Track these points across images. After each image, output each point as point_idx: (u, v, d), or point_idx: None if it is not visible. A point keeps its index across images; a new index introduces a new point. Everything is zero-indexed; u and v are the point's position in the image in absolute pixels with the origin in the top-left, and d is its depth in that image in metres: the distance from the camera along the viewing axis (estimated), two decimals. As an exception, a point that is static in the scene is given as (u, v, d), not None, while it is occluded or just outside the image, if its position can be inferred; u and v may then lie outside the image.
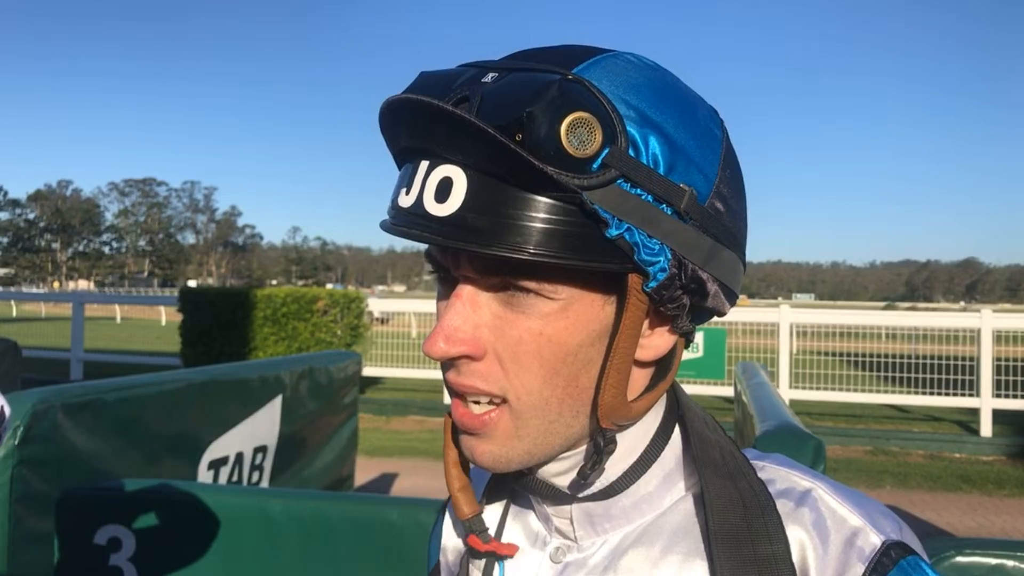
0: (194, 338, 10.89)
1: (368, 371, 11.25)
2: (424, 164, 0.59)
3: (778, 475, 0.67)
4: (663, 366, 0.67)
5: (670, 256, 0.59)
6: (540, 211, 0.56)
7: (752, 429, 2.46)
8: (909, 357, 10.60)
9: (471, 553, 0.74)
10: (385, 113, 0.61)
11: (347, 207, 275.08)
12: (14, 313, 36.87)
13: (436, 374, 11.53)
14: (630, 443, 0.67)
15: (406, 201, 0.60)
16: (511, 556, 0.72)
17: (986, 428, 9.27)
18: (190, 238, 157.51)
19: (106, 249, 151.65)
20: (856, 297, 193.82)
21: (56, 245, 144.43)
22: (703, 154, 0.61)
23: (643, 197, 0.57)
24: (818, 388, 10.51)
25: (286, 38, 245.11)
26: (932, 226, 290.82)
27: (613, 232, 0.56)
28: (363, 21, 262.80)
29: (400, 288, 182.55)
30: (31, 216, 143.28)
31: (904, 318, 13.45)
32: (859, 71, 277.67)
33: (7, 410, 1.37)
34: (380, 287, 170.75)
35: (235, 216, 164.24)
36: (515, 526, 0.75)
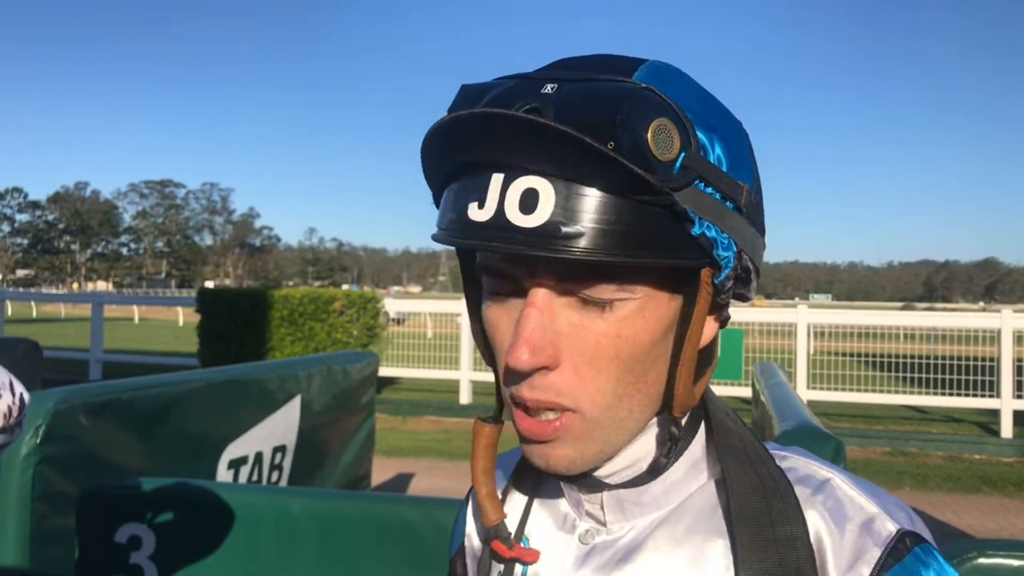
0: (212, 338, 10.94)
1: (384, 371, 11.27)
2: (497, 177, 0.59)
3: (798, 464, 0.70)
4: (707, 354, 0.70)
5: (735, 249, 0.63)
6: (631, 215, 0.57)
7: (772, 429, 2.44)
8: (928, 358, 10.51)
9: (494, 557, 0.76)
10: (450, 128, 0.60)
11: (363, 208, 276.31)
12: (34, 314, 37.23)
13: (452, 374, 11.57)
14: (665, 433, 0.69)
15: (481, 215, 0.59)
16: (533, 562, 0.73)
17: (1006, 429, 9.19)
18: (207, 239, 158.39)
19: (124, 250, 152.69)
20: (873, 297, 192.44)
21: (75, 246, 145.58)
22: (743, 151, 0.65)
23: (714, 195, 0.61)
24: (836, 389, 10.44)
25: (303, 40, 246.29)
26: (951, 226, 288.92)
27: (697, 230, 0.59)
28: (377, 23, 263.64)
29: (416, 289, 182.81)
30: (51, 218, 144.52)
31: (922, 318, 13.34)
32: (877, 69, 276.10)
33: (26, 397, 1.37)
34: (396, 288, 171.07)
35: (252, 217, 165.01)
36: (542, 510, 0.77)
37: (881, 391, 10.57)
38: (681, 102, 0.60)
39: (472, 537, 0.84)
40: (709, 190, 0.60)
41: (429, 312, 14.83)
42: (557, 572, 0.72)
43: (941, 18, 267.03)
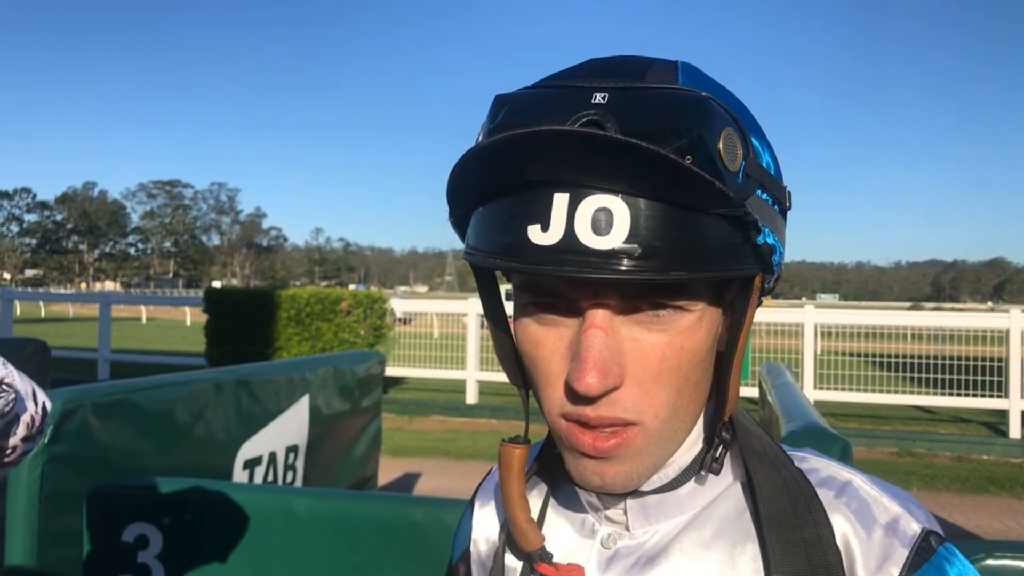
0: (219, 338, 10.97)
1: (390, 371, 11.28)
2: (561, 197, 0.56)
3: (818, 465, 0.69)
4: None
5: (782, 252, 0.64)
6: (705, 228, 0.56)
7: (778, 429, 2.44)
8: (935, 358, 10.47)
9: (515, 553, 0.75)
10: (504, 147, 0.56)
11: (370, 209, 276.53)
12: (42, 314, 37.36)
13: (458, 374, 11.57)
14: (694, 438, 0.68)
15: (546, 238, 0.56)
16: None
17: (1015, 430, 9.15)
18: (215, 239, 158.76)
19: (132, 250, 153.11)
20: (881, 297, 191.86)
21: (83, 247, 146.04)
22: (774, 154, 0.65)
23: (768, 201, 0.61)
24: (843, 389, 10.41)
25: (310, 41, 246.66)
26: (959, 225, 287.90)
27: (762, 239, 0.59)
28: (383, 24, 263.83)
29: (422, 289, 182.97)
30: (59, 218, 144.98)
31: (930, 318, 13.28)
32: (884, 68, 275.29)
33: (48, 405, 1.39)
34: (402, 288, 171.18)
35: (259, 218, 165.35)
36: (559, 515, 0.76)
37: (888, 391, 10.53)
38: (731, 108, 0.59)
39: (479, 543, 0.82)
40: (765, 196, 0.61)
41: (436, 312, 14.85)
42: None
43: (949, 18, 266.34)
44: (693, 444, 0.68)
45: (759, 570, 0.64)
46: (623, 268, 0.54)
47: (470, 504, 0.86)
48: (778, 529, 0.63)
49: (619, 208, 0.55)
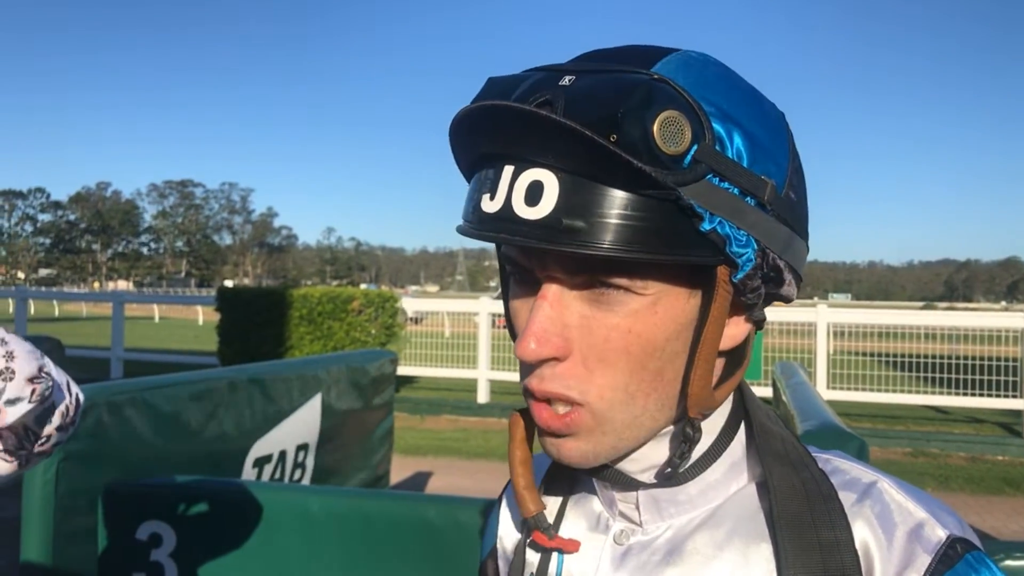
0: (231, 337, 11.01)
1: (402, 370, 11.29)
2: (508, 169, 0.59)
3: (843, 467, 0.68)
4: (737, 355, 0.68)
5: (755, 246, 0.61)
6: (634, 209, 0.56)
7: (794, 429, 2.43)
8: (949, 358, 10.41)
9: (533, 547, 0.76)
10: (465, 120, 0.61)
11: (381, 208, 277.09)
12: (56, 313, 37.60)
13: (470, 373, 11.59)
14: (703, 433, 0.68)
15: (491, 206, 0.60)
16: (575, 551, 0.73)
17: (1030, 430, 9.09)
18: (227, 239, 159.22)
19: (144, 250, 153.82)
20: (893, 297, 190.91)
21: (96, 246, 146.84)
22: (775, 146, 0.63)
23: (731, 190, 0.59)
24: (856, 389, 10.37)
25: (321, 40, 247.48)
26: (972, 224, 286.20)
27: (707, 226, 0.58)
28: (395, 22, 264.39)
29: (433, 288, 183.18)
30: (72, 218, 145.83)
31: (943, 318, 13.22)
32: (899, 65, 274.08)
33: (82, 398, 1.41)
34: (413, 287, 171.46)
35: (271, 217, 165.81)
36: (576, 511, 0.76)
37: (902, 391, 10.48)
38: (699, 93, 0.59)
39: (504, 540, 0.83)
40: (725, 185, 0.59)
41: (447, 311, 14.86)
42: (592, 573, 0.71)
43: (963, 14, 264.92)
44: (680, 440, 0.67)
45: (772, 571, 0.63)
46: (547, 238, 0.57)
47: (499, 501, 0.87)
48: (793, 530, 0.63)
49: (550, 181, 0.57)
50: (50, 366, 1.29)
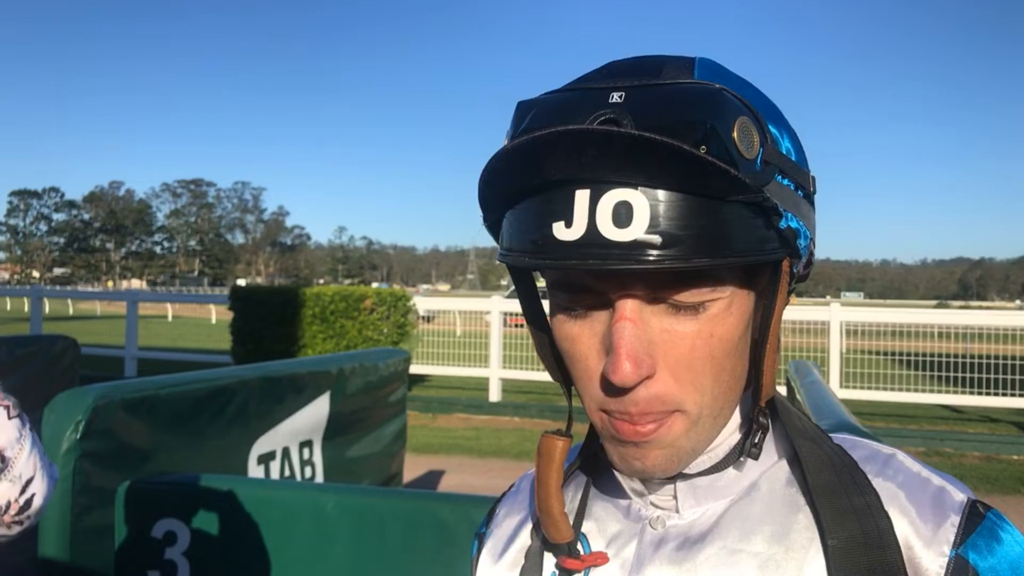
0: (244, 336, 11.06)
1: (414, 369, 11.32)
2: (583, 193, 0.58)
3: (860, 442, 0.72)
4: (776, 340, 0.70)
5: (810, 236, 0.65)
6: (725, 215, 0.58)
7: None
8: (963, 357, 10.36)
9: (563, 573, 0.75)
10: (527, 150, 0.58)
11: (393, 207, 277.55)
12: (71, 311, 37.84)
13: (482, 372, 11.59)
14: (737, 422, 0.70)
15: (570, 234, 0.58)
16: (604, 564, 0.72)
17: (1045, 430, 9.03)
18: (239, 238, 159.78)
19: (158, 249, 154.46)
20: (906, 296, 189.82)
21: (110, 245, 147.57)
22: (797, 140, 0.67)
23: (790, 187, 0.63)
24: (870, 388, 10.32)
25: (332, 40, 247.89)
26: (987, 222, 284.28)
27: (784, 224, 0.61)
28: (407, 22, 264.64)
29: (444, 287, 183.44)
30: (86, 217, 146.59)
31: (957, 316, 13.13)
32: (910, 63, 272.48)
33: (39, 502, 1.31)
34: (425, 286, 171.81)
35: (283, 216, 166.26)
36: (601, 504, 0.76)
37: (916, 390, 10.42)
38: (747, 98, 0.61)
39: (511, 546, 0.82)
40: (786, 181, 0.62)
41: (458, 310, 14.89)
42: (629, 560, 0.71)
43: (974, 12, 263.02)
44: (737, 428, 0.70)
45: (814, 538, 0.65)
46: (645, 258, 0.56)
47: (495, 505, 0.88)
48: (828, 497, 0.65)
49: (638, 200, 0.56)
50: (22, 452, 1.24)
